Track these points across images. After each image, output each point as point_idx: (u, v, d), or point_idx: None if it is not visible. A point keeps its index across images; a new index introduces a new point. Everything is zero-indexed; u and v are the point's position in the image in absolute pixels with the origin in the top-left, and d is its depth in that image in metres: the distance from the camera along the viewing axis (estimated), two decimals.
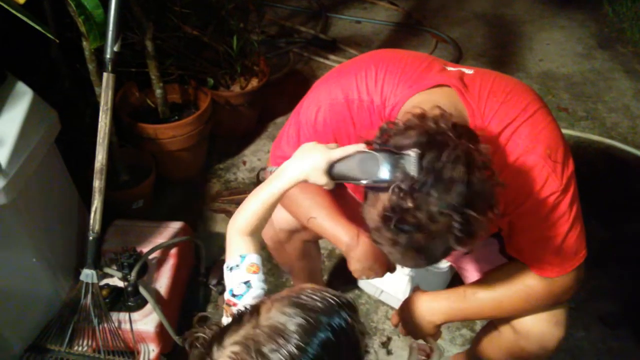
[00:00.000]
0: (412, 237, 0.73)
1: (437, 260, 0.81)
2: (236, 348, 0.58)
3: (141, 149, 1.82)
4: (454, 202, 0.70)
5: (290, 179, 0.81)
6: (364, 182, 0.77)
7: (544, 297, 0.99)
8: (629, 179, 2.07)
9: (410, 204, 0.71)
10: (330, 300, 0.62)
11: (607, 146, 2.20)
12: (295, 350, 0.55)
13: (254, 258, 0.79)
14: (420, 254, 0.77)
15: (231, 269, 0.79)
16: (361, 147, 0.79)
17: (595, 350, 1.53)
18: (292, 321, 0.58)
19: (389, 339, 1.56)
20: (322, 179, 0.80)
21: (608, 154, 2.18)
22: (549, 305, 1.02)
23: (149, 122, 1.79)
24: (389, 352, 1.53)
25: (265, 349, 0.56)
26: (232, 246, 0.82)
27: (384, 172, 0.74)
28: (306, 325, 0.58)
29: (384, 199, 0.74)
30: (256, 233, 0.83)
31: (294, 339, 0.56)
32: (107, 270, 1.39)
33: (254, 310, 0.62)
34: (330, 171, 0.80)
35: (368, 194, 0.79)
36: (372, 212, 0.77)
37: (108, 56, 1.31)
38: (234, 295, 0.76)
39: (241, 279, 0.76)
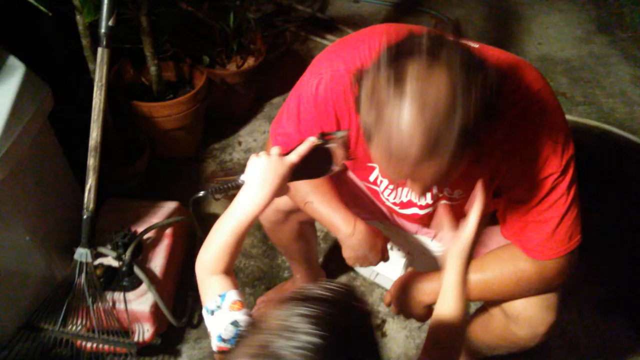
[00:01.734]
0: (408, 80, 0.67)
1: (447, 151, 0.68)
2: None
3: (135, 128, 1.79)
4: (449, 56, 0.68)
5: (255, 205, 0.78)
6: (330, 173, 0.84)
7: (535, 280, 0.99)
8: (625, 165, 2.07)
9: None
10: (326, 286, 0.58)
11: (604, 131, 2.20)
12: (306, 338, 0.51)
13: (234, 294, 0.74)
14: (423, 114, 0.66)
15: (212, 312, 0.73)
16: (311, 140, 0.81)
17: (588, 335, 1.55)
18: (293, 314, 0.54)
19: (384, 321, 1.56)
20: (287, 191, 0.82)
21: (605, 139, 2.17)
22: (540, 289, 1.02)
23: (143, 100, 1.76)
24: (383, 334, 1.54)
25: (276, 347, 0.52)
26: (206, 288, 0.76)
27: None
28: (308, 313, 0.54)
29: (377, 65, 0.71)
30: (229, 269, 0.77)
31: (301, 329, 0.52)
32: (102, 249, 1.37)
33: (251, 324, 0.59)
34: (292, 179, 0.81)
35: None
36: (365, 83, 0.72)
37: (103, 30, 1.28)
38: (224, 341, 0.70)
39: (227, 320, 0.71)
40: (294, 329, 0.52)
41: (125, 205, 1.57)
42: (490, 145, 0.83)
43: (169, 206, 1.59)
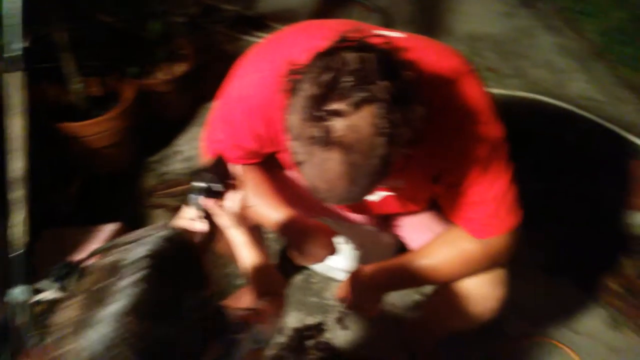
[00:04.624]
0: (335, 127, 0.69)
1: (369, 181, 0.75)
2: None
3: (63, 150, 1.70)
4: (377, 93, 0.68)
5: None
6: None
7: (481, 259, 1.01)
8: (558, 132, 2.15)
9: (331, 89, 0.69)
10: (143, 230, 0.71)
11: (534, 101, 2.27)
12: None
13: None
14: (348, 159, 0.70)
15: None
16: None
17: (535, 296, 1.60)
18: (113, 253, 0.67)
19: (345, 314, 1.56)
20: None
21: (536, 109, 2.25)
22: (487, 266, 1.05)
23: (69, 120, 1.67)
24: (344, 327, 1.54)
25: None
26: None
27: None
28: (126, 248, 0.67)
29: (306, 89, 0.71)
30: None
31: (116, 254, 0.66)
32: (39, 284, 1.29)
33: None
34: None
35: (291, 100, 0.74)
36: (293, 114, 0.73)
37: (15, 53, 1.20)
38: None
39: None
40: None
41: (62, 235, 1.50)
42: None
43: (110, 228, 1.53)
